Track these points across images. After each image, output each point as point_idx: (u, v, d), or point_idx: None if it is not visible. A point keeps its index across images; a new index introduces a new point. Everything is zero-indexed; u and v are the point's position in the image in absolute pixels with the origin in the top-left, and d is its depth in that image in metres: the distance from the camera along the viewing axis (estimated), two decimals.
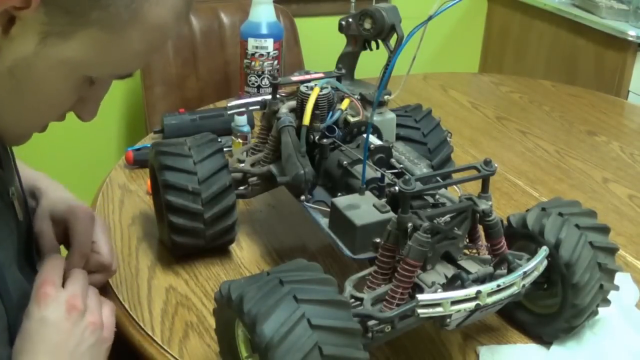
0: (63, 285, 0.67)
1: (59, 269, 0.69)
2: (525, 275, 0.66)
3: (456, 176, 0.74)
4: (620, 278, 0.83)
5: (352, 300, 0.65)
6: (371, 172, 0.78)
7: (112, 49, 0.57)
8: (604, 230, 0.76)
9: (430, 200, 0.72)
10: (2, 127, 0.63)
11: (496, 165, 0.70)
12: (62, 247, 0.81)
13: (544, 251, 0.70)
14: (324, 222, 0.77)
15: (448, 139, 1.01)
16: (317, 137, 0.84)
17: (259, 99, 1.12)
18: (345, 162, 0.80)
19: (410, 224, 0.64)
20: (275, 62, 1.47)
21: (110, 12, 0.55)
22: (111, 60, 0.59)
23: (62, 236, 0.80)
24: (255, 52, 1.45)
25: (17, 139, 0.66)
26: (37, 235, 0.78)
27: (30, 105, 0.61)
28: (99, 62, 0.58)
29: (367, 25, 0.95)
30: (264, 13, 1.46)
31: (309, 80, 0.89)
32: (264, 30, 1.45)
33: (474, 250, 0.72)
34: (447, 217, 0.68)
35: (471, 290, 0.62)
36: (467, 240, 0.71)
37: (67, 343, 0.64)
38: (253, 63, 1.46)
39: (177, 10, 0.59)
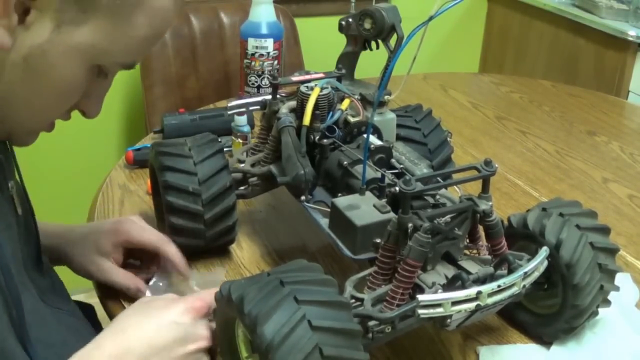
0: None
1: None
2: (526, 275, 0.66)
3: (456, 176, 0.74)
4: (620, 278, 0.83)
5: (353, 300, 0.65)
6: (371, 173, 0.78)
7: (119, 34, 0.61)
8: (605, 230, 0.76)
9: (431, 200, 0.72)
10: (13, 123, 0.65)
11: (496, 165, 0.70)
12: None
13: (544, 251, 0.70)
14: (324, 222, 0.77)
15: (448, 139, 1.00)
16: (317, 137, 0.84)
17: (259, 99, 1.11)
18: (345, 163, 0.80)
19: (410, 225, 0.64)
20: (275, 62, 1.47)
21: None
22: (119, 46, 0.62)
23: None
24: (255, 52, 1.45)
25: (26, 137, 0.68)
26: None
27: (42, 94, 0.63)
28: (107, 49, 0.62)
29: (367, 25, 0.95)
30: (264, 13, 1.46)
31: (309, 80, 0.89)
32: (264, 30, 1.45)
33: (475, 251, 0.72)
34: (447, 218, 0.68)
35: (472, 291, 0.62)
36: (468, 240, 0.71)
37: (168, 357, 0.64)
38: (253, 63, 1.46)
39: None
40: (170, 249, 0.82)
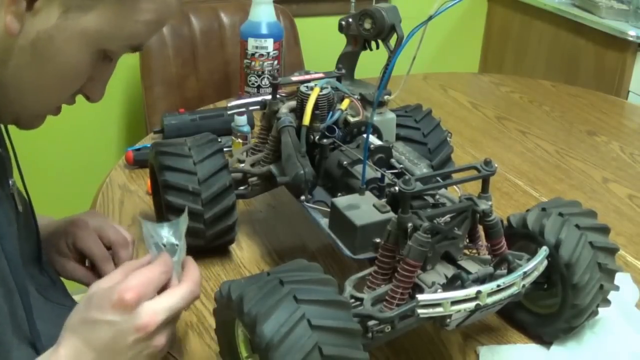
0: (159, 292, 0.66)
1: (154, 283, 0.65)
2: (525, 275, 0.66)
3: (456, 176, 0.74)
4: (620, 278, 0.83)
5: (352, 300, 0.65)
6: (371, 172, 0.78)
7: (125, 20, 0.63)
8: (604, 230, 0.76)
9: (431, 200, 0.72)
10: (20, 107, 0.66)
11: (496, 165, 0.70)
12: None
13: (544, 251, 0.70)
14: (324, 222, 0.77)
15: (448, 139, 1.00)
16: (317, 137, 0.84)
17: (259, 99, 1.11)
18: (345, 162, 0.80)
19: (410, 224, 0.64)
20: (275, 62, 1.47)
21: None
22: (124, 31, 0.64)
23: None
24: (255, 52, 1.45)
25: (32, 120, 0.69)
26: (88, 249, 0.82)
27: (48, 78, 0.64)
28: (113, 34, 0.63)
29: (367, 25, 0.95)
30: (264, 13, 1.46)
31: (309, 80, 0.89)
32: (264, 30, 1.45)
33: (474, 251, 0.72)
34: (447, 217, 0.68)
35: (471, 291, 0.62)
36: (467, 240, 0.71)
37: (116, 355, 0.63)
38: (253, 63, 1.46)
39: None
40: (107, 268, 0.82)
